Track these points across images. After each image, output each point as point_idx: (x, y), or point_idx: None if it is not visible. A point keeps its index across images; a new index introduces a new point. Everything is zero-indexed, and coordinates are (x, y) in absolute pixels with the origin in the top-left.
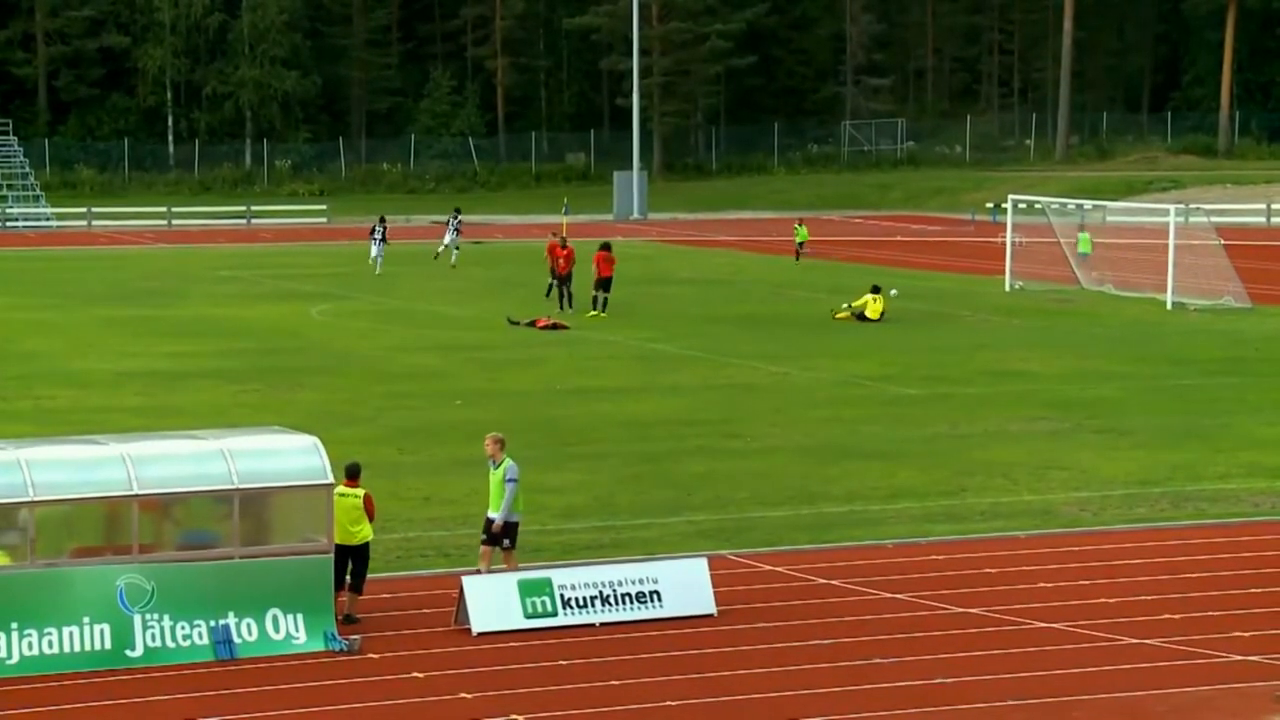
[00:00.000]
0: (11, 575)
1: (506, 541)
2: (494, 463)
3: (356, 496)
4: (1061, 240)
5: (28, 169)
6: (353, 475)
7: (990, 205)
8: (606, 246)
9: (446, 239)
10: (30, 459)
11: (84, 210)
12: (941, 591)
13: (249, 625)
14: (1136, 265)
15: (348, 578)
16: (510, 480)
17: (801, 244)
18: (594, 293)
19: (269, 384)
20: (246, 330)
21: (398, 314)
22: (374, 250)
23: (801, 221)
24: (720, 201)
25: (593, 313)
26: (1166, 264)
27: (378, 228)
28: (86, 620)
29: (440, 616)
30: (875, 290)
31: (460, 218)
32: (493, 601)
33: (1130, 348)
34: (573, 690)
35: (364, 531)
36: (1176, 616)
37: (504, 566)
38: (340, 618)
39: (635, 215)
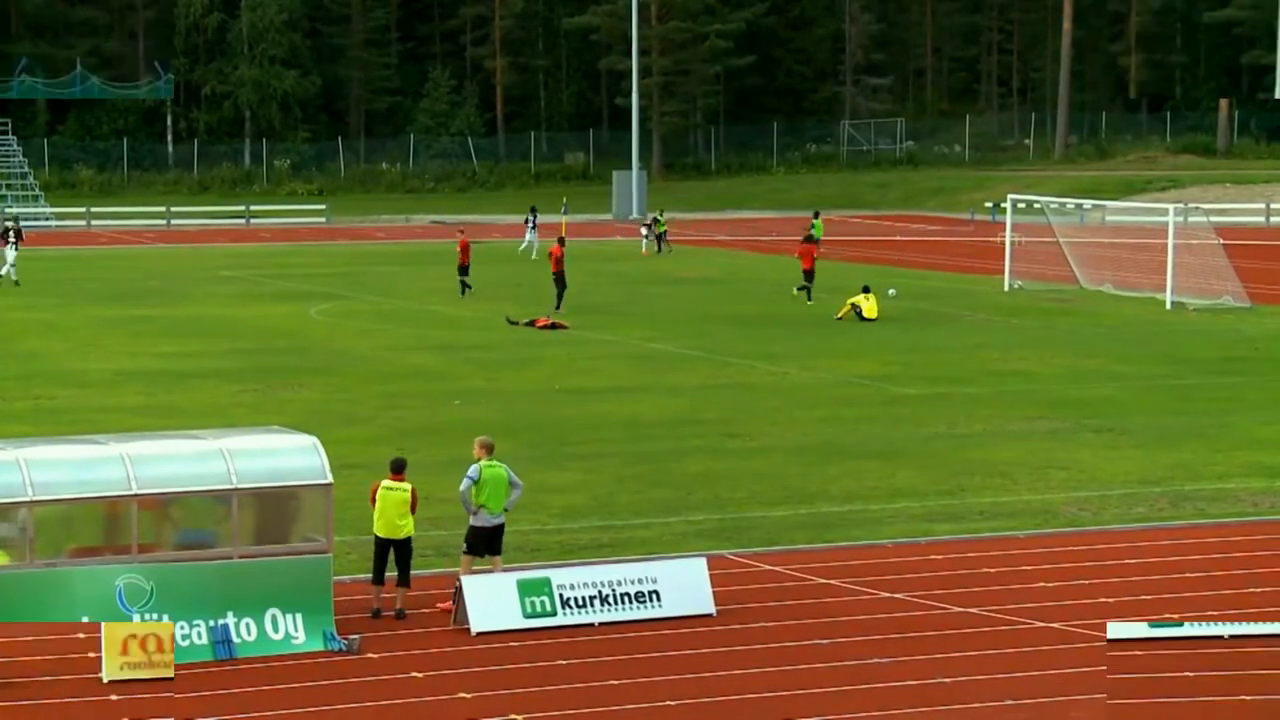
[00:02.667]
0: (11, 575)
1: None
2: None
3: (405, 490)
4: (1060, 239)
5: (27, 169)
6: (398, 470)
7: (989, 205)
8: (810, 239)
9: (528, 237)
10: (29, 459)
11: (83, 210)
12: (941, 591)
13: (248, 625)
14: (1135, 265)
15: (389, 572)
16: (519, 484)
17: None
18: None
19: (268, 384)
20: (246, 330)
21: (397, 314)
22: (529, 237)
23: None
24: (720, 201)
25: (809, 302)
26: (1166, 263)
27: (530, 217)
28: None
29: (439, 616)
30: (865, 290)
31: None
32: (492, 601)
33: (1129, 347)
34: (572, 690)
35: (408, 525)
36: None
37: (492, 567)
38: (392, 613)
39: (635, 215)
